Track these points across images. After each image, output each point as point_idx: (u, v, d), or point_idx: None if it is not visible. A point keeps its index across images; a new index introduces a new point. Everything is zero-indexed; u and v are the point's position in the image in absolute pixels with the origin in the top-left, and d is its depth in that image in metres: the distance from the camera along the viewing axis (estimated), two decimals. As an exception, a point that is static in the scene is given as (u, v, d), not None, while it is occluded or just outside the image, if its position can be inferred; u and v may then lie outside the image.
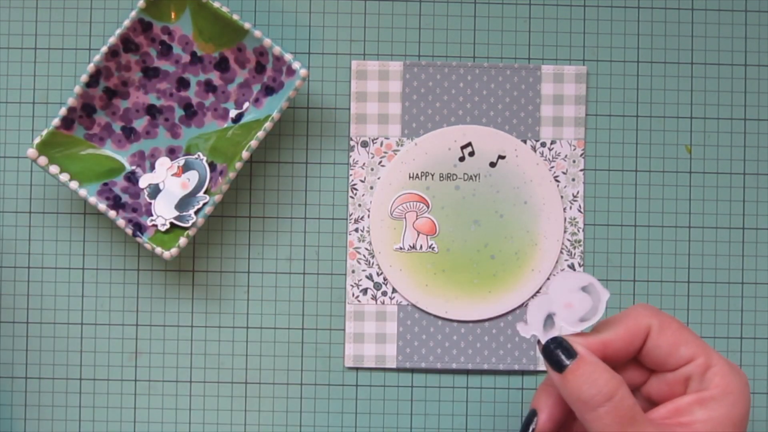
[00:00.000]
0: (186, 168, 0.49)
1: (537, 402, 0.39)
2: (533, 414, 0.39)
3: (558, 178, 0.50)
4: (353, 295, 0.50)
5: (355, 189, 0.50)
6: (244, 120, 0.49)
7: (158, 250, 0.46)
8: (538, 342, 0.38)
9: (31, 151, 0.46)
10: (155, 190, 0.48)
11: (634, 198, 0.51)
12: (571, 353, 0.36)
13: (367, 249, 0.50)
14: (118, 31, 0.47)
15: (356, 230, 0.50)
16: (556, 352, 0.37)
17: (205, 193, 0.48)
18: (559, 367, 0.37)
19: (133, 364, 0.50)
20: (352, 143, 0.50)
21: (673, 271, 0.51)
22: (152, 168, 0.49)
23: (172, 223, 0.47)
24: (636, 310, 0.38)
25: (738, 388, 0.37)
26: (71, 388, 0.50)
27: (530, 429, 0.39)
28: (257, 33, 0.47)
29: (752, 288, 0.51)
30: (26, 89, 0.51)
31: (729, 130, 0.51)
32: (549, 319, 0.38)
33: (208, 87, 0.49)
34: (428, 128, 0.50)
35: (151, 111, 0.49)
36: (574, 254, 0.50)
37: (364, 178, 0.50)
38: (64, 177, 0.47)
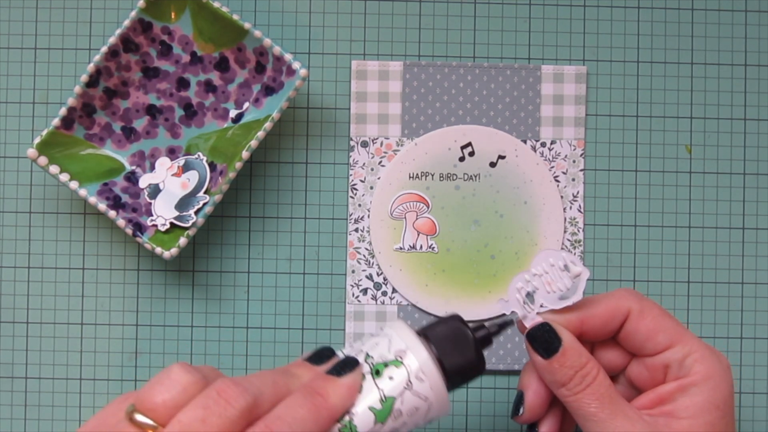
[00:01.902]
0: (186, 168, 0.49)
1: (522, 383, 0.40)
2: (521, 395, 0.40)
3: (558, 178, 0.50)
4: (353, 295, 0.50)
5: (355, 189, 0.50)
6: (244, 120, 0.49)
7: (158, 250, 0.46)
8: (519, 321, 0.39)
9: (31, 151, 0.46)
10: (155, 190, 0.48)
11: (634, 198, 0.51)
12: (557, 340, 0.37)
13: (367, 249, 0.50)
14: (118, 31, 0.47)
15: (356, 230, 0.50)
16: (543, 339, 0.37)
17: (205, 193, 0.48)
18: (545, 353, 0.37)
19: (133, 364, 0.50)
20: (352, 143, 0.50)
21: (673, 271, 0.51)
22: (152, 168, 0.49)
23: (172, 223, 0.47)
24: (619, 293, 0.39)
25: (718, 372, 0.37)
26: (71, 388, 0.50)
27: (519, 411, 0.39)
28: (257, 33, 0.47)
29: (752, 288, 0.51)
30: (26, 89, 0.51)
31: (729, 130, 0.51)
32: (529, 297, 0.38)
33: (208, 87, 0.49)
34: (428, 128, 0.50)
35: (151, 111, 0.49)
36: (574, 254, 0.50)
37: (364, 178, 0.50)
38: (64, 177, 0.47)
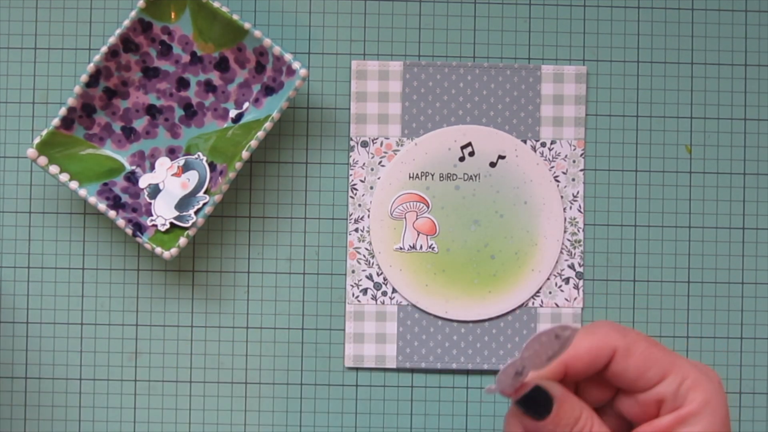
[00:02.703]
0: (186, 168, 0.49)
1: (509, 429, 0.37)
2: None
3: (558, 178, 0.50)
4: (353, 295, 0.50)
5: (355, 189, 0.50)
6: (244, 120, 0.49)
7: (158, 250, 0.46)
8: (505, 391, 0.36)
9: (31, 151, 0.46)
10: (155, 190, 0.48)
11: (634, 198, 0.51)
12: (549, 400, 0.35)
13: (367, 249, 0.50)
14: (118, 31, 0.47)
15: (356, 230, 0.50)
16: (535, 402, 0.36)
17: (205, 193, 0.48)
18: (538, 416, 0.36)
19: (133, 364, 0.50)
20: (352, 143, 0.50)
21: (673, 271, 0.51)
22: (152, 168, 0.49)
23: (172, 223, 0.47)
24: (601, 330, 0.37)
25: (714, 394, 0.35)
26: (71, 388, 0.50)
27: None
28: (257, 33, 0.47)
29: (752, 288, 0.51)
30: (26, 89, 0.51)
31: (729, 130, 0.51)
32: (517, 375, 0.35)
33: (208, 87, 0.49)
34: (428, 128, 0.50)
35: (151, 111, 0.49)
36: (574, 254, 0.50)
37: (364, 178, 0.50)
38: (64, 177, 0.47)
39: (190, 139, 0.49)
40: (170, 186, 0.48)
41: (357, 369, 0.50)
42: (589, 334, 0.37)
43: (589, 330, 0.37)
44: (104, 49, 0.47)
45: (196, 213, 0.47)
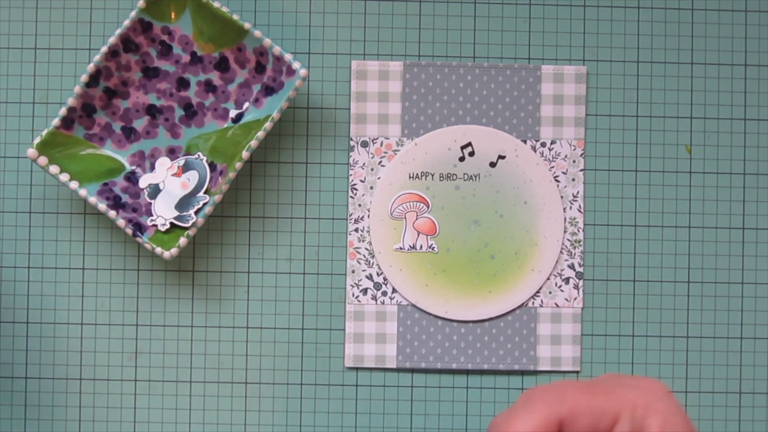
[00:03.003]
0: (186, 168, 0.49)
1: None
2: None
3: (558, 178, 0.50)
4: (353, 295, 0.50)
5: (355, 189, 0.50)
6: (244, 120, 0.49)
7: (158, 250, 0.46)
8: None
9: (31, 151, 0.46)
10: (155, 190, 0.48)
11: (634, 198, 0.51)
12: None
13: (367, 249, 0.50)
14: (118, 31, 0.47)
15: (356, 230, 0.50)
16: None
17: (205, 193, 0.48)
18: None
19: (133, 364, 0.50)
20: (352, 143, 0.50)
21: (673, 271, 0.51)
22: (152, 168, 0.49)
23: (172, 223, 0.47)
24: (538, 406, 0.36)
25: (668, 410, 0.35)
26: (71, 388, 0.50)
27: None
28: (257, 33, 0.47)
29: (752, 288, 0.51)
30: (26, 89, 0.51)
31: (729, 130, 0.51)
32: None
33: (208, 87, 0.49)
34: (428, 128, 0.50)
35: (151, 111, 0.49)
36: (574, 254, 0.50)
37: (364, 178, 0.50)
38: (64, 177, 0.47)
39: (190, 139, 0.49)
40: (170, 186, 0.48)
41: (357, 369, 0.50)
42: (528, 415, 0.36)
43: (525, 408, 0.36)
44: (104, 49, 0.47)
45: (196, 213, 0.47)
